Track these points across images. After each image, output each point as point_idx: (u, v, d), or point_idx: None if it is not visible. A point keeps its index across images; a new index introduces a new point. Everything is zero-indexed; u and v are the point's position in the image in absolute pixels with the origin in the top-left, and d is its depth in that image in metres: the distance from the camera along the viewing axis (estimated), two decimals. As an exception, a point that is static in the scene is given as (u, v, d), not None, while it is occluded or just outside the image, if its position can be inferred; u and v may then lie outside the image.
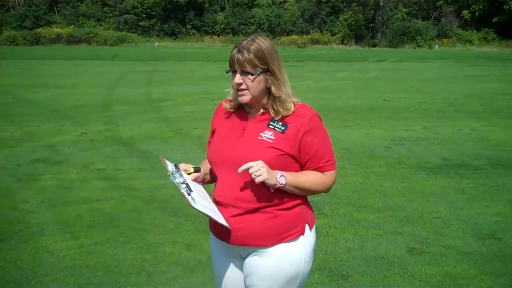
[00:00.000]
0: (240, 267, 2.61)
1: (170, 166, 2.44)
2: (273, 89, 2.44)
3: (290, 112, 2.45)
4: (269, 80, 2.43)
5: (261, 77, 2.42)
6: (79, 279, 4.38)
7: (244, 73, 2.40)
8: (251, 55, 2.38)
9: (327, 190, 2.57)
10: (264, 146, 2.41)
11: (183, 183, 2.42)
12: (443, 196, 6.64)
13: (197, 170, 2.51)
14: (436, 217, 5.86)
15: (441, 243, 5.13)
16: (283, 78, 2.45)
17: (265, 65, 2.41)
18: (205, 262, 4.68)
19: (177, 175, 2.42)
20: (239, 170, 2.34)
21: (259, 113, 2.50)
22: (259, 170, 2.32)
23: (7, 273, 4.49)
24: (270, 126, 2.45)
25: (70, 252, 4.91)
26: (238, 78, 2.41)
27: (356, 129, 11.10)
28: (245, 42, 2.42)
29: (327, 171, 2.51)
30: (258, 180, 2.32)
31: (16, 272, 4.50)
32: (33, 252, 4.89)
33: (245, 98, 2.44)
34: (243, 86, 2.42)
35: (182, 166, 2.57)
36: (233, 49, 2.43)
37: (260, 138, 2.43)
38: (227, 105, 2.60)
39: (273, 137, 2.42)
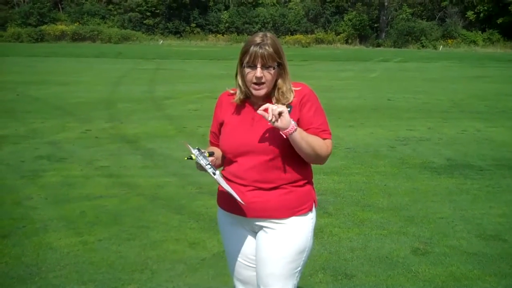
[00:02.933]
0: (251, 240, 2.76)
1: (194, 150, 2.57)
2: (280, 81, 2.62)
3: (290, 101, 2.62)
4: (279, 73, 2.61)
5: (276, 70, 2.59)
6: (82, 276, 4.37)
7: (265, 67, 2.55)
8: (271, 50, 2.55)
9: (325, 157, 2.64)
10: (277, 131, 2.53)
11: (208, 164, 2.56)
12: (447, 196, 6.63)
13: (211, 154, 2.66)
14: (440, 217, 5.84)
15: (445, 243, 5.12)
16: (288, 71, 2.64)
17: (279, 59, 2.59)
18: (209, 260, 4.67)
19: (201, 157, 2.55)
20: (259, 111, 2.43)
21: (264, 102, 2.61)
22: (277, 108, 2.43)
23: (11, 269, 4.49)
24: None
25: (73, 248, 4.91)
26: (259, 72, 2.54)
27: (360, 128, 11.08)
28: (260, 38, 2.57)
29: (325, 138, 2.65)
30: (278, 110, 2.42)
31: (20, 268, 4.50)
32: (37, 248, 4.89)
33: (262, 91, 2.59)
34: (262, 80, 2.56)
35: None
36: (250, 46, 2.55)
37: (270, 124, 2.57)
38: (236, 99, 2.71)
39: None
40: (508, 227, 5.56)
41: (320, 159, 2.63)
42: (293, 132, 2.46)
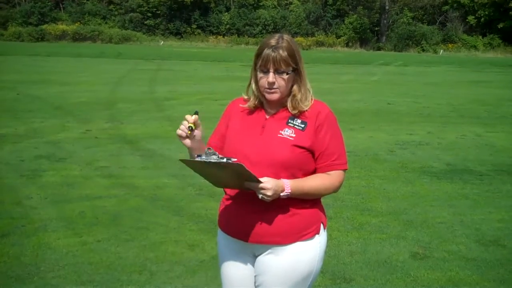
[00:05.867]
0: (251, 265, 2.59)
1: (198, 157, 2.36)
2: (295, 88, 2.46)
3: (307, 108, 2.47)
4: (295, 79, 2.46)
5: (291, 75, 2.44)
6: (81, 276, 4.37)
7: (278, 72, 2.40)
8: (285, 54, 2.39)
9: (335, 191, 2.57)
10: (287, 144, 2.42)
11: (219, 157, 2.33)
12: (447, 201, 6.63)
13: (196, 113, 2.49)
14: (439, 222, 5.85)
15: (444, 248, 5.12)
16: (305, 77, 2.48)
17: (295, 64, 2.43)
18: (207, 262, 4.67)
19: (208, 155, 2.32)
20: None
21: (277, 110, 2.51)
22: (265, 194, 2.32)
23: (10, 268, 4.49)
24: (290, 124, 2.46)
25: (72, 249, 4.91)
26: (272, 77, 2.40)
27: (360, 132, 11.09)
28: (275, 40, 2.41)
29: (335, 170, 2.51)
30: (265, 200, 2.34)
31: (18, 268, 4.50)
32: (36, 248, 4.89)
33: (275, 96, 2.44)
34: (275, 86, 2.42)
35: (188, 117, 2.47)
36: (263, 48, 2.41)
37: (281, 135, 2.44)
38: (250, 104, 2.55)
39: (293, 135, 2.44)
40: (507, 233, 5.56)
41: (328, 194, 2.56)
42: (288, 195, 2.38)
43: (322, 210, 2.60)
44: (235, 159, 2.33)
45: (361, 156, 8.82)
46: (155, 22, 58.93)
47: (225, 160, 2.30)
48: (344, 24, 57.55)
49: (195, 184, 6.94)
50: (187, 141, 2.45)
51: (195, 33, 58.62)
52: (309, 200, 2.50)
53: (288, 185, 2.37)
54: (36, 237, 5.15)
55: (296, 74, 2.45)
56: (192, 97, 16.29)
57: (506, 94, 19.13)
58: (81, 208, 6.04)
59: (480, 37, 55.49)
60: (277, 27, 57.74)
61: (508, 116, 13.96)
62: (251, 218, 2.45)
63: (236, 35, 57.49)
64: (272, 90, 2.43)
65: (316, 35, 57.36)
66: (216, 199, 5.72)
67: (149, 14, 58.75)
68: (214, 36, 58.29)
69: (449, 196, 6.82)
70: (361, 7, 58.85)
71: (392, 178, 7.60)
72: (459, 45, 54.43)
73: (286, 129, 2.45)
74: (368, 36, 57.54)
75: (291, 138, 2.43)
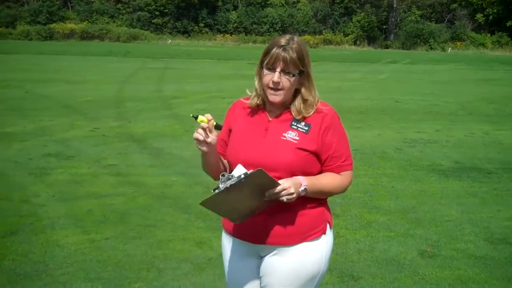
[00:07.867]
0: (256, 266, 2.56)
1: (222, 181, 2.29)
2: (303, 91, 2.42)
3: (312, 113, 2.44)
4: (301, 82, 2.42)
5: (296, 78, 2.39)
6: (89, 274, 4.39)
7: (285, 72, 2.36)
8: (295, 55, 2.35)
9: (343, 191, 2.56)
10: (291, 148, 2.39)
11: (237, 177, 2.26)
12: (455, 199, 6.60)
13: (219, 128, 2.41)
14: (447, 220, 5.83)
15: (453, 246, 5.10)
16: (313, 81, 2.45)
17: (302, 67, 2.39)
18: (215, 260, 4.67)
19: (224, 181, 2.27)
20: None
21: (280, 112, 2.47)
22: (289, 194, 2.28)
23: (18, 266, 4.51)
24: (293, 127, 2.42)
25: (81, 246, 4.93)
26: (277, 77, 2.36)
27: (367, 130, 11.07)
28: (285, 40, 2.38)
29: (344, 171, 2.51)
30: (290, 201, 2.30)
31: (27, 265, 4.52)
32: (44, 246, 4.91)
33: (278, 98, 2.40)
34: (279, 86, 2.37)
35: (208, 115, 2.36)
36: (273, 47, 2.37)
37: (284, 138, 2.41)
38: (250, 101, 2.52)
39: (297, 138, 2.40)
40: (516, 231, 5.53)
41: (337, 194, 2.55)
42: (305, 190, 2.36)
43: (328, 209, 2.57)
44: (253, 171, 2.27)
45: (369, 154, 8.80)
46: (163, 21, 59.01)
47: (243, 176, 2.24)
48: (352, 22, 57.45)
49: (202, 182, 6.94)
50: (204, 148, 2.38)
51: (203, 31, 58.66)
52: (316, 200, 2.47)
53: (304, 181, 2.36)
54: (44, 235, 5.17)
55: (303, 77, 2.41)
56: (199, 95, 16.30)
57: (514, 92, 19.02)
58: (89, 206, 6.06)
59: (489, 35, 55.24)
60: (284, 25, 57.70)
61: (516, 114, 13.89)
62: (258, 219, 2.42)
63: (244, 33, 57.48)
64: (276, 92, 2.38)
65: (323, 33, 57.27)
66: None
67: (157, 13, 58.84)
68: (222, 35, 58.29)
69: (457, 194, 6.80)
70: (369, 5, 58.74)
71: (400, 176, 7.58)
72: (467, 43, 54.20)
73: (290, 132, 2.41)
74: (376, 34, 57.39)
75: (294, 141, 2.40)
